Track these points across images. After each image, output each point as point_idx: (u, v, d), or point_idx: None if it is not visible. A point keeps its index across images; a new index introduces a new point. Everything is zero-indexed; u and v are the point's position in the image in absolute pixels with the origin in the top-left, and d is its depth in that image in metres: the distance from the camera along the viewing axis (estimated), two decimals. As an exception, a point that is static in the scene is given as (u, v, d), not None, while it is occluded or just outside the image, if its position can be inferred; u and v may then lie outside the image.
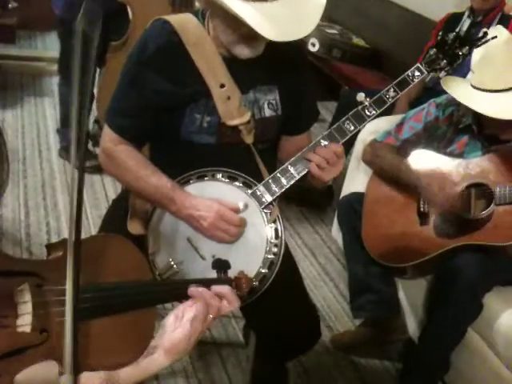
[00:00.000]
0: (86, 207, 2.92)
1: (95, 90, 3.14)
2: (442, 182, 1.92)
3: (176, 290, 1.12)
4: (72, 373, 0.69)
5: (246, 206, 1.38)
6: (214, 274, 1.26)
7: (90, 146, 3.34)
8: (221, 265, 1.22)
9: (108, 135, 1.48)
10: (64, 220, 2.78)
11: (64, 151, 3.29)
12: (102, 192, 3.07)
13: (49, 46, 4.87)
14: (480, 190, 1.89)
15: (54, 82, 3.83)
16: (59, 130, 3.33)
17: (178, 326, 1.00)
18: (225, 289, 1.09)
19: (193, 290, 1.06)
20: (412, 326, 2.18)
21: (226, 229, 1.36)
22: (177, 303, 1.10)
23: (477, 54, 1.79)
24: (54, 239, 2.60)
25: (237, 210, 1.38)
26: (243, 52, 1.36)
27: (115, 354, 0.89)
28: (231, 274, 1.24)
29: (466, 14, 2.86)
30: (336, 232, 2.62)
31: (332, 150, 1.37)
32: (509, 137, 1.89)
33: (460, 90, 1.83)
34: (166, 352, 0.98)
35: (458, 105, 1.94)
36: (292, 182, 1.40)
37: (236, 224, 1.36)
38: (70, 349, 0.69)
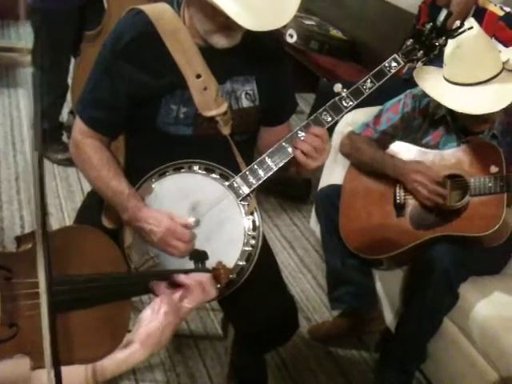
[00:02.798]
0: (61, 200, 2.88)
1: (69, 81, 3.09)
2: None
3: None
4: (53, 366, 0.67)
5: (197, 223, 1.36)
6: (191, 266, 1.25)
7: (64, 137, 3.29)
8: (198, 256, 1.21)
9: (79, 126, 1.45)
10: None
11: (38, 143, 3.23)
12: (77, 185, 3.02)
13: (22, 36, 4.77)
14: (455, 181, 1.91)
15: (28, 73, 3.75)
16: (33, 122, 3.26)
17: (153, 318, 1.00)
18: (202, 277, 1.08)
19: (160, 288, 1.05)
20: (389, 317, 2.20)
21: (175, 245, 1.33)
22: (154, 296, 1.09)
23: (449, 46, 1.79)
24: (29, 233, 2.55)
25: (188, 226, 1.35)
26: (220, 42, 1.34)
27: (90, 348, 0.87)
28: (209, 265, 1.23)
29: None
30: (314, 224, 2.62)
31: (315, 133, 1.35)
32: (481, 129, 1.92)
33: (431, 83, 1.83)
34: (142, 343, 0.98)
35: (433, 96, 1.95)
36: (269, 173, 1.39)
37: (186, 241, 1.34)
38: (49, 342, 0.67)
